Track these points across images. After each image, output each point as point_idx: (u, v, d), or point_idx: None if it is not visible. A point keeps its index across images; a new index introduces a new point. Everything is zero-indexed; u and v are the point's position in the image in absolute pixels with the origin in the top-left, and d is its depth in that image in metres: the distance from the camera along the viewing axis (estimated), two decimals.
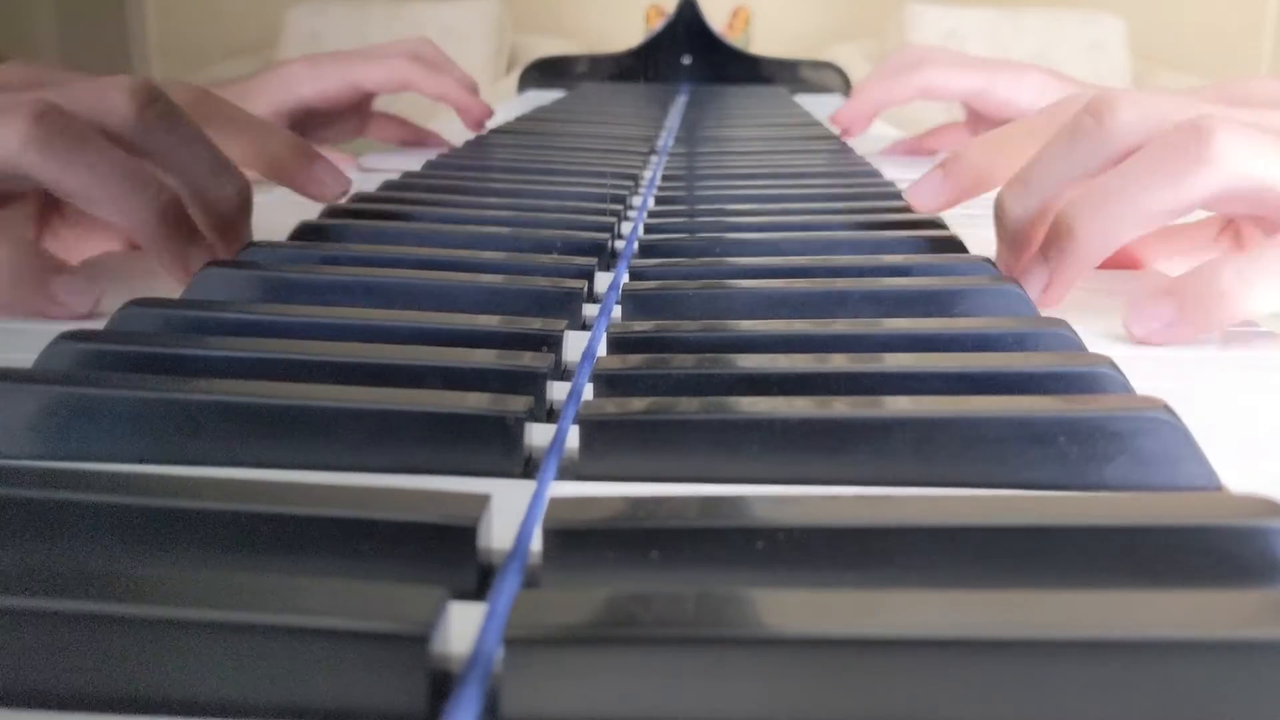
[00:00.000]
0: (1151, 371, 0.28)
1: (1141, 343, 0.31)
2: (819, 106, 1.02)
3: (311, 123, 0.69)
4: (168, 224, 0.34)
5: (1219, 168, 0.30)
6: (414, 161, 0.60)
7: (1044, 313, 0.31)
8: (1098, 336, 0.32)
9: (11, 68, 0.37)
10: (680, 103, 1.01)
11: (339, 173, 0.45)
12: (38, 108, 0.32)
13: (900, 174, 0.64)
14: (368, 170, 0.65)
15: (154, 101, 0.35)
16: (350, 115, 0.72)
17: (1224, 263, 0.31)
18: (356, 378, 0.24)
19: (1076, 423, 0.21)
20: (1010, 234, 0.36)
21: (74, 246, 0.41)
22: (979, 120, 0.70)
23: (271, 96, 0.65)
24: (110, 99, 0.34)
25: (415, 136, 0.75)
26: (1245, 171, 0.30)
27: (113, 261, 0.40)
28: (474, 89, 0.73)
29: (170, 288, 0.34)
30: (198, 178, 0.36)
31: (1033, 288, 0.33)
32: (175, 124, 0.35)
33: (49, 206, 0.40)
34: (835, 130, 0.75)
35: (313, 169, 0.45)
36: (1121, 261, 0.40)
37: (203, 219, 0.36)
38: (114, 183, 0.33)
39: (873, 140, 0.80)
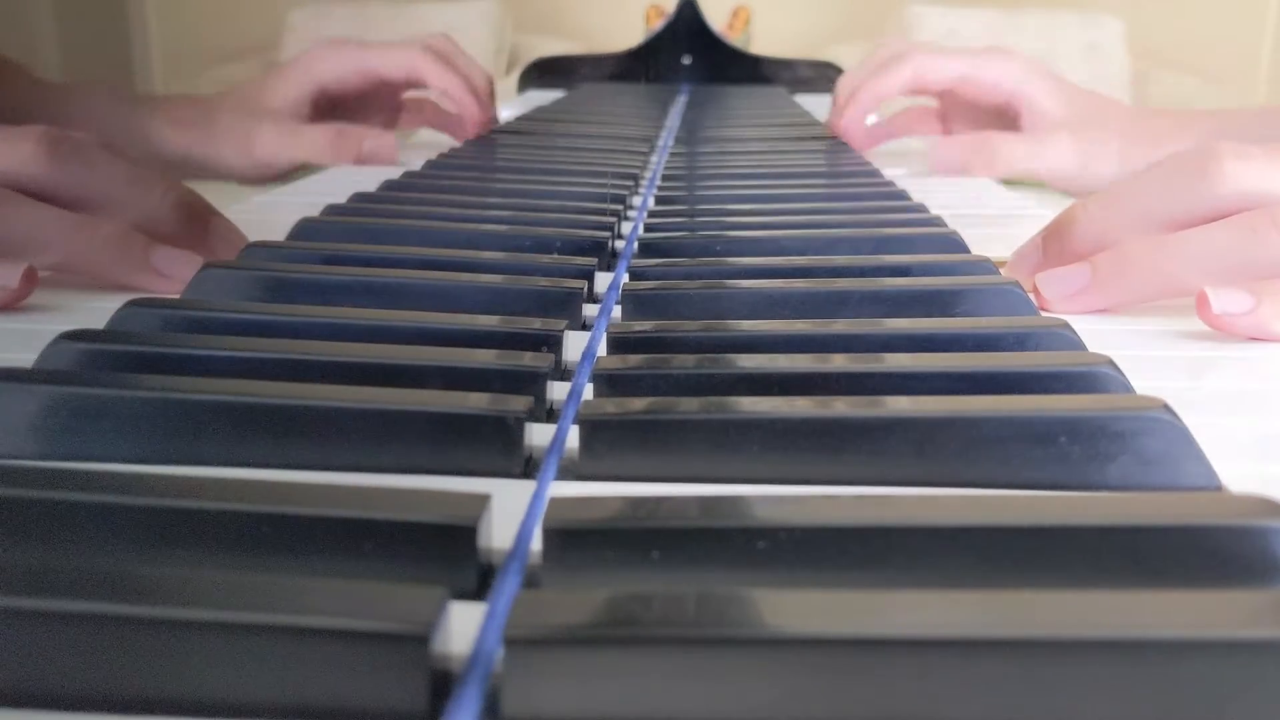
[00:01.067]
0: (1151, 371, 0.28)
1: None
2: (819, 106, 1.02)
3: (336, 114, 0.70)
4: (108, 251, 0.35)
5: None
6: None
7: (1044, 313, 0.31)
8: (1099, 335, 0.32)
9: None
10: (680, 103, 1.01)
11: (233, 229, 0.41)
12: None
13: (898, 172, 0.64)
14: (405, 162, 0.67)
15: (59, 144, 0.36)
16: (377, 107, 0.73)
17: (1145, 237, 0.32)
18: (356, 378, 0.24)
19: (1077, 422, 0.21)
20: (1073, 242, 0.36)
21: None
22: (956, 106, 0.71)
23: (293, 81, 0.67)
24: (19, 150, 0.36)
25: (448, 122, 0.76)
26: None
27: None
28: (485, 90, 0.74)
29: (171, 288, 0.34)
30: (125, 197, 0.37)
31: (1063, 287, 0.34)
32: (85, 160, 0.37)
33: None
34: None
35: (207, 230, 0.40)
36: None
37: (152, 233, 0.37)
38: (51, 235, 0.34)
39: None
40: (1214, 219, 0.34)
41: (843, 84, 0.73)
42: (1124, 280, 0.34)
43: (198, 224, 0.38)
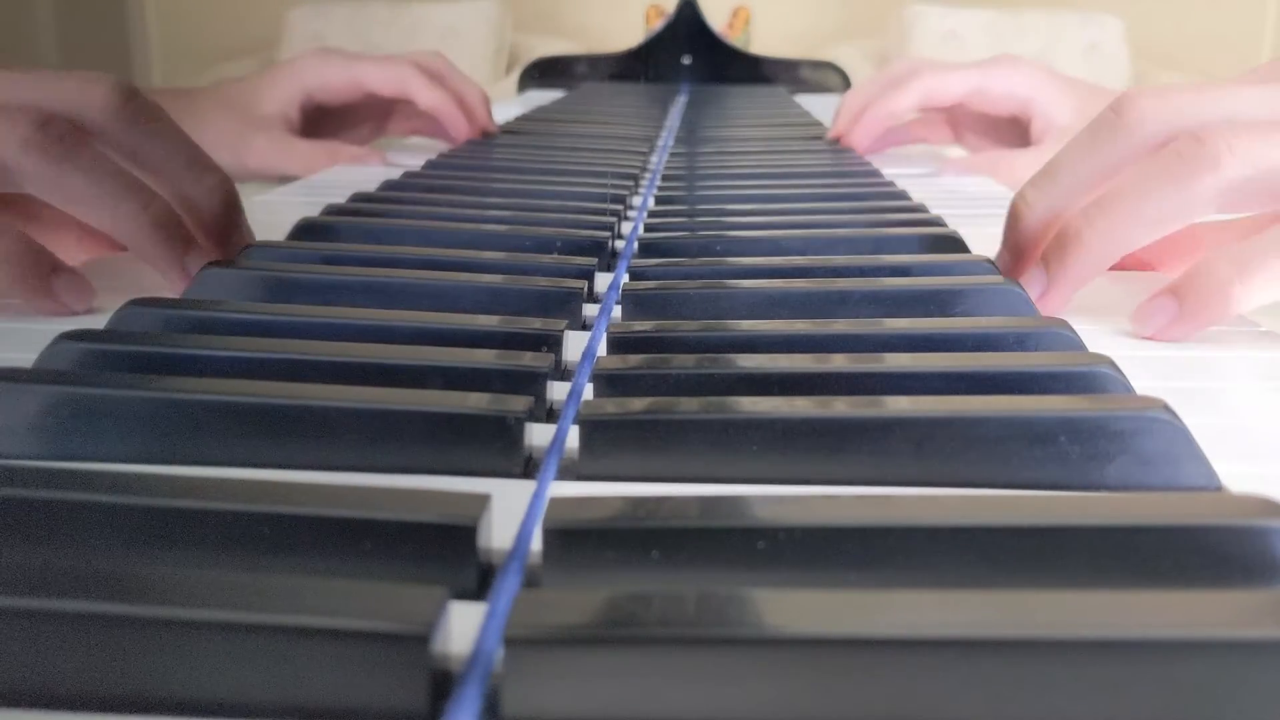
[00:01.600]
0: (1151, 371, 0.28)
1: (1150, 339, 0.31)
2: (819, 106, 1.02)
3: (324, 120, 0.71)
4: (159, 230, 0.34)
5: (1221, 174, 0.30)
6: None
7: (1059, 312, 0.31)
8: (1099, 335, 0.32)
9: None
10: (680, 102, 1.01)
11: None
12: (38, 115, 0.32)
13: (897, 170, 0.64)
14: (391, 165, 0.68)
15: (134, 97, 0.35)
16: (365, 115, 0.73)
17: (1220, 254, 0.31)
18: (356, 378, 0.24)
19: (1077, 422, 0.21)
20: (1022, 236, 0.35)
21: (60, 252, 0.41)
22: (966, 115, 0.71)
23: (282, 88, 0.67)
24: (92, 93, 0.34)
25: (438, 130, 0.76)
26: (1250, 175, 0.30)
27: (112, 262, 0.40)
28: (479, 105, 0.74)
29: (170, 288, 0.34)
30: (179, 175, 0.36)
31: (1031, 292, 0.33)
32: (154, 120, 0.35)
33: (27, 214, 0.40)
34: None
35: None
36: (1133, 266, 0.40)
37: (189, 219, 0.36)
38: (107, 190, 0.33)
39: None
40: None
41: (851, 99, 0.73)
42: (1075, 261, 0.33)
43: (237, 222, 0.37)
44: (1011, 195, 0.55)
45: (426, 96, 0.69)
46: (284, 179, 0.67)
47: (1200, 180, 0.30)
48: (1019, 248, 0.35)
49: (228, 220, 0.37)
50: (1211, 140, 0.30)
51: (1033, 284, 0.33)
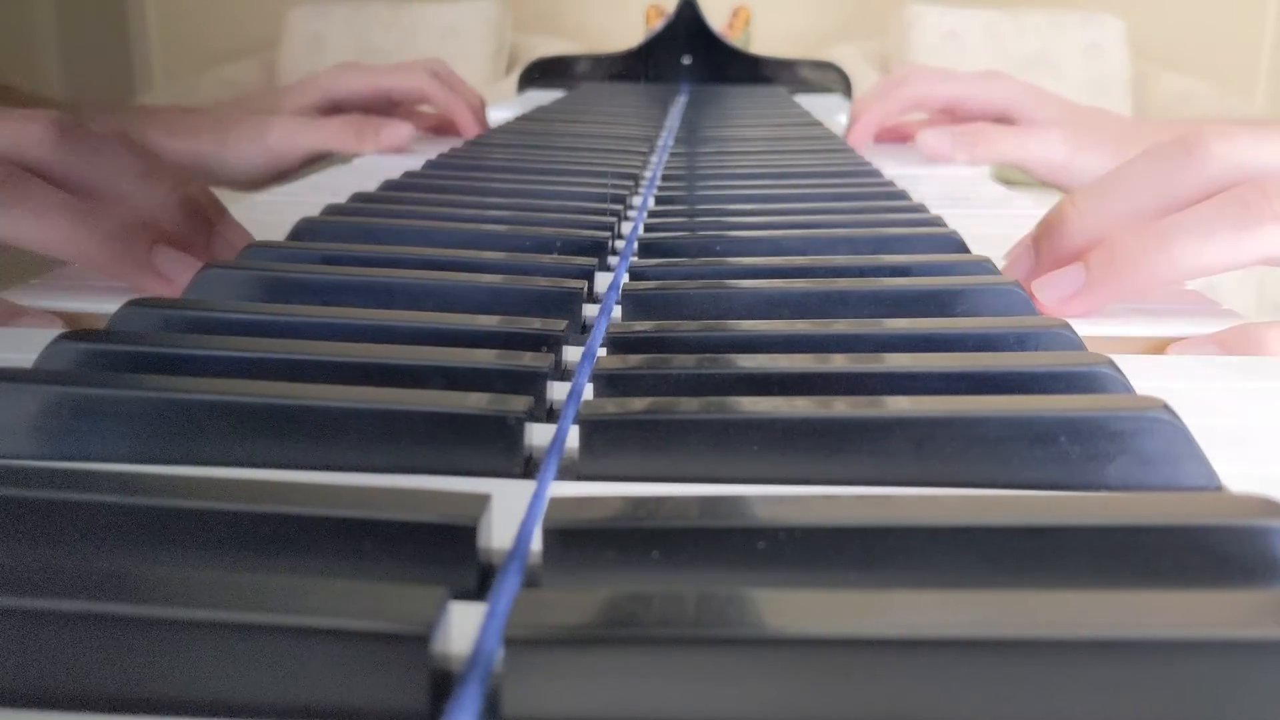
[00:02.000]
0: (1151, 372, 0.28)
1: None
2: (819, 106, 1.02)
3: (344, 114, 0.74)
4: (111, 244, 0.34)
5: None
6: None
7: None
8: (1099, 335, 0.32)
9: None
10: (680, 102, 1.01)
11: (241, 231, 0.40)
12: None
13: (898, 170, 0.64)
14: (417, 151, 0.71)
15: (71, 130, 0.36)
16: (383, 112, 0.77)
17: (1136, 230, 0.32)
18: (356, 378, 0.24)
19: (1077, 422, 0.21)
20: (1066, 242, 0.36)
21: None
22: (957, 120, 0.76)
23: (306, 93, 0.72)
24: (29, 132, 0.35)
25: (437, 127, 0.82)
26: None
27: None
28: (480, 111, 0.81)
29: (170, 290, 0.34)
30: (131, 193, 0.37)
31: (1058, 291, 0.34)
32: (94, 148, 0.36)
33: None
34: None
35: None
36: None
37: (154, 227, 0.36)
38: (54, 224, 0.34)
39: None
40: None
41: (853, 110, 0.80)
42: (1118, 276, 0.33)
43: (202, 225, 0.38)
44: (995, 178, 0.55)
45: (443, 100, 0.76)
46: (300, 171, 0.68)
47: (1262, 232, 0.31)
48: (1057, 252, 0.36)
49: (191, 222, 0.37)
50: (1275, 195, 0.31)
51: (1068, 280, 0.34)
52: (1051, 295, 0.34)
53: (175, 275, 0.35)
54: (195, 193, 0.39)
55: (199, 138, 0.68)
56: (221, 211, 0.40)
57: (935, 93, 0.75)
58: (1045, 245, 0.36)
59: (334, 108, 0.73)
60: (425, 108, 0.82)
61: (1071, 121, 0.70)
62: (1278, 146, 0.33)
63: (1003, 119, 0.73)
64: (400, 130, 0.71)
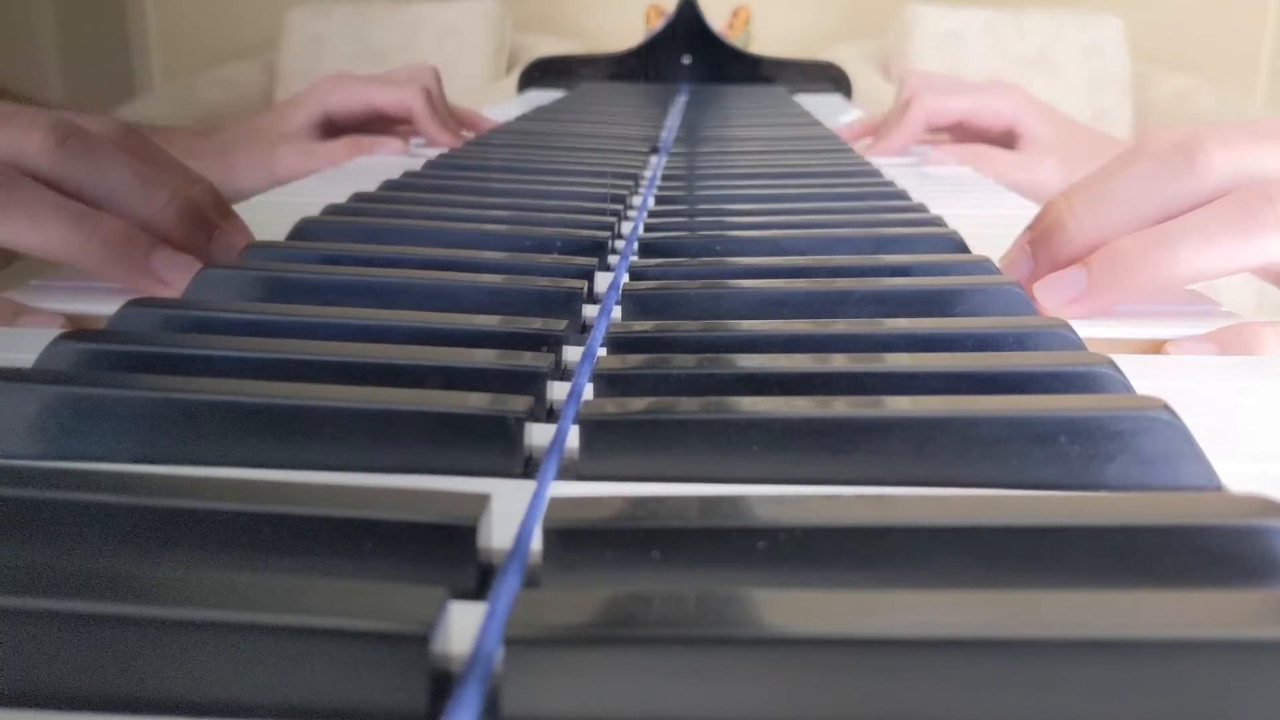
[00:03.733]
0: (1151, 372, 0.28)
1: (1054, 315, 0.31)
2: (819, 106, 1.02)
3: (339, 130, 0.79)
4: (108, 249, 0.34)
5: None
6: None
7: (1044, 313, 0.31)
8: (1098, 335, 0.32)
9: None
10: (680, 102, 1.01)
11: (243, 233, 0.41)
12: None
13: (898, 171, 0.64)
14: (416, 154, 0.74)
15: (71, 135, 0.36)
16: (372, 130, 0.81)
17: (1137, 234, 0.32)
18: (356, 378, 0.24)
19: (1077, 422, 0.21)
20: (1064, 248, 0.35)
21: None
22: (964, 135, 0.78)
23: (305, 108, 0.76)
24: (29, 137, 0.35)
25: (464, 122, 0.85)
26: None
27: None
28: (474, 124, 0.85)
29: (168, 292, 0.34)
30: (129, 200, 0.37)
31: (1059, 294, 0.34)
32: (94, 152, 0.36)
33: None
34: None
35: (223, 227, 0.41)
36: None
37: (153, 233, 0.36)
38: (51, 227, 0.34)
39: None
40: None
41: (859, 128, 0.82)
42: (1121, 280, 0.33)
43: (202, 230, 0.38)
44: (1001, 189, 0.55)
45: (425, 125, 0.79)
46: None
47: (1263, 237, 0.31)
48: (1056, 259, 0.36)
49: (191, 228, 0.37)
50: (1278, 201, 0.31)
51: (1069, 284, 0.34)
52: (1053, 299, 0.34)
53: (174, 279, 0.35)
54: (201, 193, 0.39)
55: (204, 161, 0.69)
56: (227, 212, 0.40)
57: (945, 115, 0.76)
58: (1043, 251, 0.36)
59: (329, 122, 0.76)
60: None
61: (1070, 142, 0.72)
62: (1276, 150, 0.33)
63: (1007, 132, 0.74)
64: (393, 151, 0.75)
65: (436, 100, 0.80)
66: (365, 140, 0.74)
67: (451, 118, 0.82)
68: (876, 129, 0.82)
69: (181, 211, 0.37)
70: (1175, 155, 0.34)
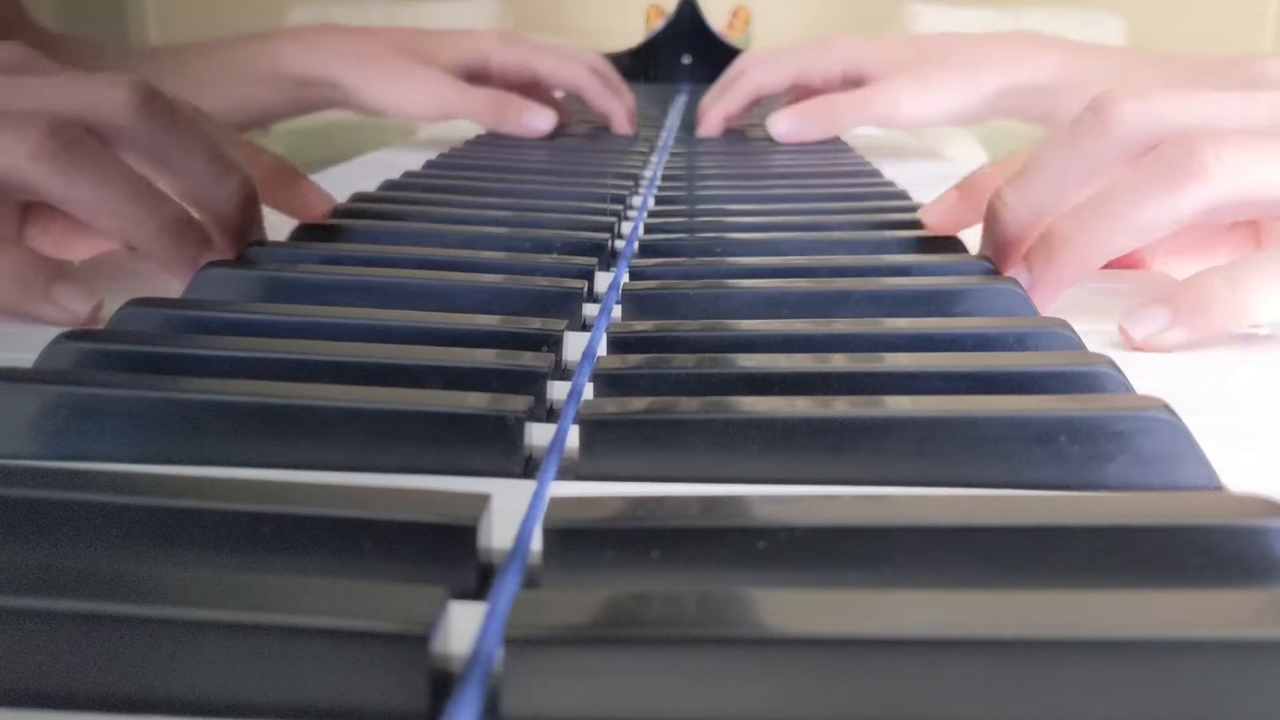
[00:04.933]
0: (1151, 371, 0.28)
1: (1140, 348, 0.31)
2: None
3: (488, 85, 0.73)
4: (165, 234, 0.34)
5: (1210, 184, 0.30)
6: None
7: (1045, 312, 0.31)
8: (1098, 335, 0.32)
9: (5, 49, 0.37)
10: (680, 103, 1.01)
11: (322, 192, 0.43)
12: (49, 121, 0.32)
13: (899, 171, 0.64)
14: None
15: (153, 99, 0.35)
16: (528, 93, 0.75)
17: (1216, 271, 0.31)
18: (356, 378, 0.24)
19: (1077, 422, 0.21)
20: (1002, 237, 0.35)
21: (62, 243, 0.41)
22: (808, 94, 0.75)
23: (461, 47, 0.71)
24: (111, 95, 0.34)
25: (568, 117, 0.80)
26: (1238, 185, 0.30)
27: (113, 261, 0.40)
28: (634, 110, 0.79)
29: (171, 287, 0.34)
30: (197, 177, 0.36)
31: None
32: (174, 122, 0.35)
33: (35, 203, 0.40)
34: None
35: (298, 188, 0.43)
36: (1123, 262, 0.40)
37: (206, 218, 0.36)
38: (114, 197, 0.33)
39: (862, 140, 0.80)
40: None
41: (699, 108, 0.79)
42: (1062, 264, 0.32)
43: (252, 227, 0.37)
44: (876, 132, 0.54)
45: (601, 100, 0.74)
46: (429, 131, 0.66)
47: (1189, 189, 0.30)
48: (1000, 249, 0.35)
49: (245, 220, 0.37)
50: (1200, 149, 0.30)
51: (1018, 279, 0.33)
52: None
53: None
54: (271, 161, 0.38)
55: (339, 59, 0.67)
56: (297, 175, 0.40)
57: (774, 77, 0.74)
58: (990, 243, 0.36)
59: (481, 72, 0.71)
60: (558, 93, 0.80)
61: (909, 62, 0.69)
62: (1194, 104, 0.32)
63: (851, 80, 0.72)
64: (541, 117, 0.70)
65: (613, 80, 0.77)
66: (514, 101, 0.69)
67: (632, 100, 0.78)
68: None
69: (245, 203, 0.37)
70: (1086, 115, 0.33)
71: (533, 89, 0.75)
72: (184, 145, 0.35)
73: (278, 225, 0.41)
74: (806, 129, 0.69)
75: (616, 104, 0.75)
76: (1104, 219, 0.32)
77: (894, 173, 0.60)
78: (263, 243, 0.37)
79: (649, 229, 0.42)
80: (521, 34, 0.78)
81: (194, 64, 0.68)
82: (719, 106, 0.76)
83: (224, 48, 0.71)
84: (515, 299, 0.31)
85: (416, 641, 0.14)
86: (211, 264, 0.33)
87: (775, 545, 0.17)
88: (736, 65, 0.78)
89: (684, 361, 0.25)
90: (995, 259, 0.35)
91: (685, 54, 1.25)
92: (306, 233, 0.40)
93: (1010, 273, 0.34)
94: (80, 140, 0.32)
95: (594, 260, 0.36)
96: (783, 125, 0.70)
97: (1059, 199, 0.34)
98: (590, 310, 0.33)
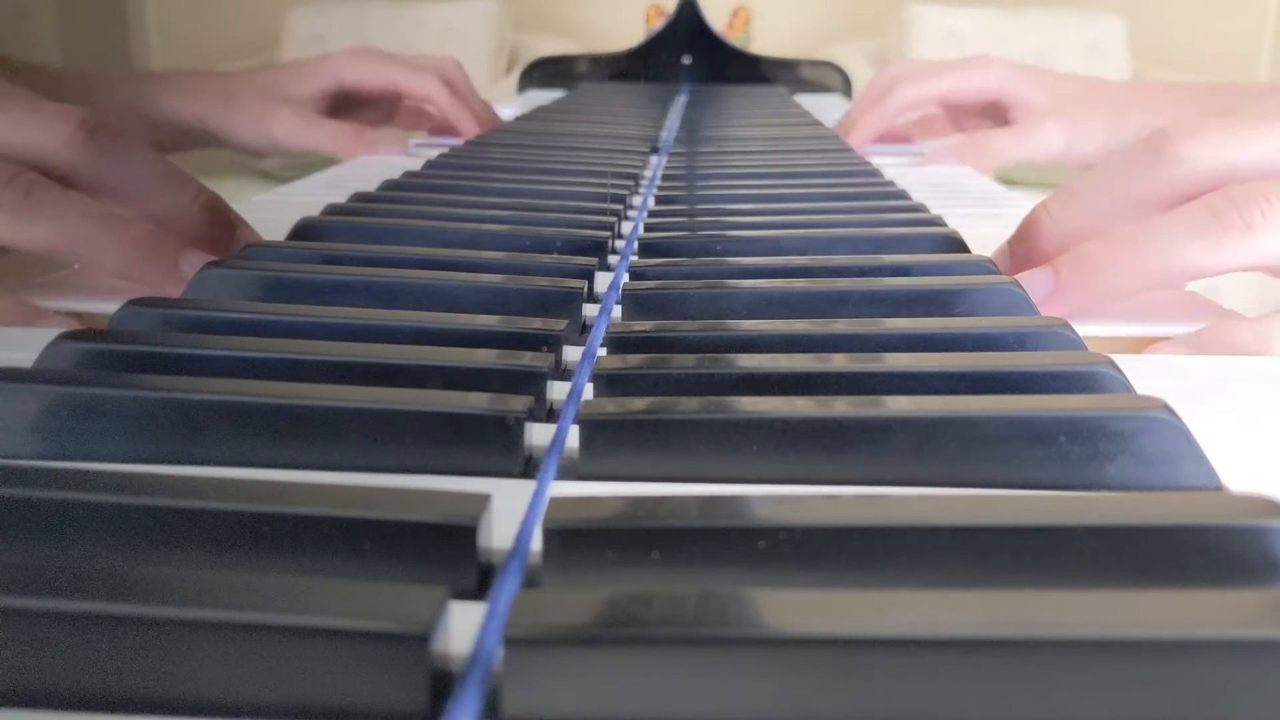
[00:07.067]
0: (1151, 372, 0.28)
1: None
2: (819, 106, 1.02)
3: (347, 105, 0.76)
4: (141, 250, 0.34)
5: (1255, 239, 0.31)
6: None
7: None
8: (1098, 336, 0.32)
9: None
10: (680, 102, 1.01)
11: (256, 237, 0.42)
12: (2, 174, 0.32)
13: (897, 174, 0.64)
14: (415, 154, 0.72)
15: (98, 130, 0.35)
16: (378, 107, 0.79)
17: (1106, 236, 0.32)
18: (356, 378, 0.24)
19: (1077, 422, 0.21)
20: (1039, 246, 0.35)
21: None
22: (953, 110, 0.78)
23: (318, 75, 0.72)
24: (56, 131, 0.34)
25: (441, 127, 0.82)
26: None
27: None
28: (488, 119, 0.80)
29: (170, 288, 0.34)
30: (155, 195, 0.36)
31: (1033, 292, 0.33)
32: (121, 147, 0.36)
33: None
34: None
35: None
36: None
37: (174, 230, 0.36)
38: (78, 235, 0.33)
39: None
40: (1182, 201, 0.33)
41: (845, 121, 0.80)
42: (1087, 282, 0.33)
43: (226, 229, 0.38)
44: (993, 181, 0.56)
45: (449, 109, 0.76)
46: (298, 169, 0.69)
47: (1230, 242, 0.31)
48: (1031, 256, 0.36)
49: (214, 227, 0.37)
50: (1247, 206, 0.31)
51: (1037, 284, 0.34)
52: None
53: None
54: (214, 199, 0.38)
55: (206, 102, 0.68)
56: (238, 222, 0.40)
57: (925, 92, 0.75)
58: (1020, 248, 0.36)
59: (341, 95, 0.73)
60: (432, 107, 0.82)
61: (1064, 99, 0.71)
62: (1249, 141, 0.32)
63: (996, 106, 0.74)
64: (390, 148, 0.73)
65: (462, 88, 0.78)
66: (370, 133, 0.72)
67: (481, 107, 0.80)
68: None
69: (206, 209, 0.37)
70: (1144, 150, 0.34)
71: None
72: (135, 169, 0.36)
73: (278, 225, 0.41)
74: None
75: (461, 113, 0.77)
76: (1140, 255, 0.32)
77: (894, 173, 0.60)
78: (262, 243, 0.37)
79: (649, 229, 0.42)
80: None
81: (98, 91, 0.69)
82: (869, 121, 0.76)
83: (119, 82, 0.72)
84: (515, 299, 0.31)
85: (416, 641, 0.14)
86: (211, 264, 0.33)
87: (775, 545, 0.17)
88: (886, 76, 0.78)
89: (684, 361, 0.25)
90: (1023, 263, 0.35)
91: (685, 54, 1.25)
92: (306, 233, 0.40)
93: (1034, 273, 0.34)
94: (34, 187, 0.33)
95: (594, 260, 0.36)
96: (941, 162, 0.71)
97: (1102, 223, 0.34)
98: (590, 310, 0.33)
